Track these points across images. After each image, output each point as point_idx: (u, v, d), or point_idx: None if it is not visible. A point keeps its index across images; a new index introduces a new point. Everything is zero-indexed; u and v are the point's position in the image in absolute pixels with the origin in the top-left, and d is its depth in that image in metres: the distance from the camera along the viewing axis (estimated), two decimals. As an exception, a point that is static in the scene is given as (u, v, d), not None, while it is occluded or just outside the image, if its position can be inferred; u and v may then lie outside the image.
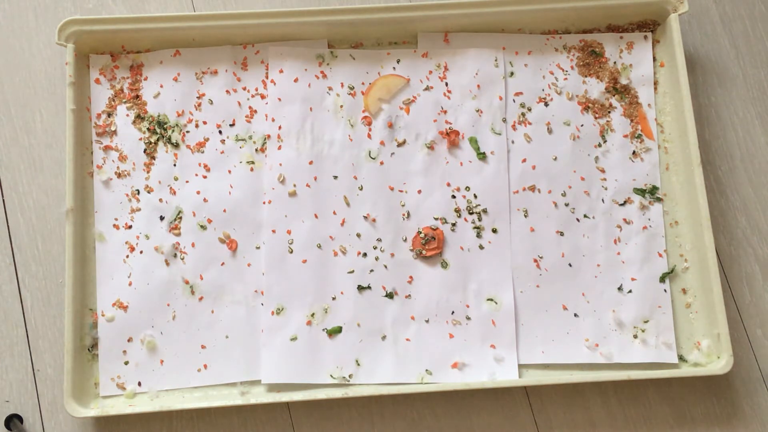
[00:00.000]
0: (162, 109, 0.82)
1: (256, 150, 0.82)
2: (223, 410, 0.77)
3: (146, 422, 0.77)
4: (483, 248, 0.80)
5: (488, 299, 0.79)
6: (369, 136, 0.82)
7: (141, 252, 0.79)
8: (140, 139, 0.81)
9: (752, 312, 0.81)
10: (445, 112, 0.83)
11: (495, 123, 0.82)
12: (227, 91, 0.83)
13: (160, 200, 0.80)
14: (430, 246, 0.79)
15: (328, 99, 0.83)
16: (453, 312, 0.78)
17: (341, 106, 0.83)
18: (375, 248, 0.80)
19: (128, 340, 0.77)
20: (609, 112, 0.83)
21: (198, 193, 0.80)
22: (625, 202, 0.81)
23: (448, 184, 0.81)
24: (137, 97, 0.82)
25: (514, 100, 0.83)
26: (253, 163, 0.81)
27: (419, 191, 0.81)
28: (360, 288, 0.79)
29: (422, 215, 0.81)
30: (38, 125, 0.84)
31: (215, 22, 0.81)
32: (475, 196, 0.81)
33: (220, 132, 0.82)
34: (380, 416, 0.78)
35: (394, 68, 0.84)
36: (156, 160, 0.81)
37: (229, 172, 0.81)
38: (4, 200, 0.82)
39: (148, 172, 0.81)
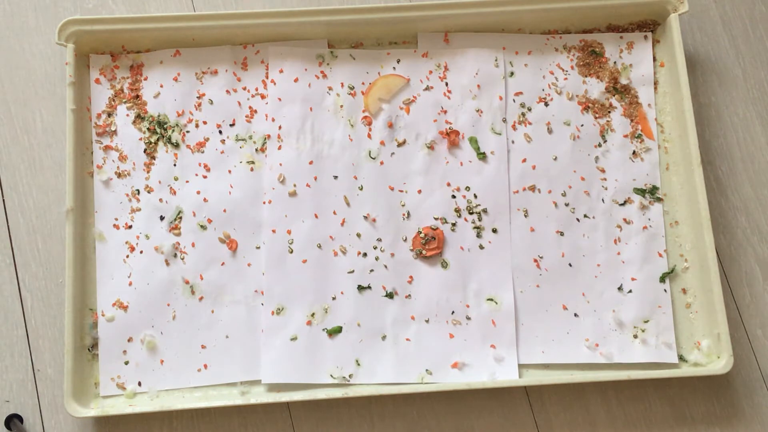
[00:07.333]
0: (162, 109, 0.82)
1: (256, 150, 0.82)
2: (223, 410, 0.77)
3: (146, 422, 0.77)
4: (483, 248, 0.80)
5: (488, 299, 0.79)
6: (369, 136, 0.82)
7: (141, 252, 0.79)
8: (140, 139, 0.81)
9: (752, 312, 0.81)
10: (445, 112, 0.83)
11: (495, 123, 0.82)
12: (227, 91, 0.83)
13: (160, 200, 0.80)
14: (430, 246, 0.79)
15: (328, 99, 0.83)
16: (453, 312, 0.78)
17: (341, 106, 0.83)
18: (375, 248, 0.80)
19: (128, 340, 0.77)
20: (609, 112, 0.83)
21: (198, 193, 0.80)
22: (625, 202, 0.81)
23: (448, 184, 0.81)
24: (137, 97, 0.82)
25: (514, 100, 0.83)
26: (253, 163, 0.81)
27: (419, 191, 0.81)
28: (360, 288, 0.79)
29: (422, 215, 0.81)
30: (38, 125, 0.84)
31: (215, 22, 0.81)
32: (475, 196, 0.81)
33: (220, 132, 0.82)
34: (380, 416, 0.78)
35: (394, 68, 0.84)
36: (156, 160, 0.81)
37: (229, 172, 0.81)
38: (4, 200, 0.82)
39: (148, 172, 0.81)
